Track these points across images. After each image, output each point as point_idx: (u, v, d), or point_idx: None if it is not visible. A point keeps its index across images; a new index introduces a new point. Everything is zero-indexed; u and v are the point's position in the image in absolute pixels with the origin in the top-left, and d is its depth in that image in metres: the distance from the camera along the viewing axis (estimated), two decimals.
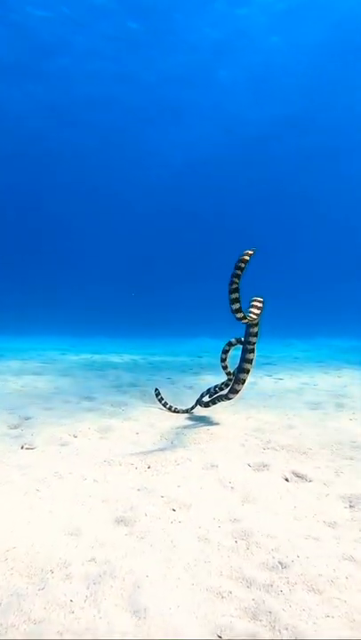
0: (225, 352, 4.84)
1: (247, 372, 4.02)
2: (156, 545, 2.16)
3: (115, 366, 10.04)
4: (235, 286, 3.20)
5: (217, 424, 4.68)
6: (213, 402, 4.89)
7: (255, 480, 2.94)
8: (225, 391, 4.68)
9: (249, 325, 3.86)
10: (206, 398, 5.02)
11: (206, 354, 13.66)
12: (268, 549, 2.15)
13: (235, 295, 3.19)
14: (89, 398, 6.02)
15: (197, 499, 2.60)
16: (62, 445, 3.79)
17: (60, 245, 44.35)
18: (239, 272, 3.17)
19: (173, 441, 4.05)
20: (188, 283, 45.10)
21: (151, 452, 3.64)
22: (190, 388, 7.14)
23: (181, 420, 4.90)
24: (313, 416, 5.02)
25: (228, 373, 4.85)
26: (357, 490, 2.78)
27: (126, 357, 12.32)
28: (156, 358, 12.27)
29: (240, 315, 3.30)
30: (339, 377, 8.53)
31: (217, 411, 5.26)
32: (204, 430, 4.39)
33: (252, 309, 3.62)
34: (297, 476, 3.08)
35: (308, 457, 3.53)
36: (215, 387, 4.94)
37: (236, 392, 4.22)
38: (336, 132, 30.31)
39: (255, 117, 29.09)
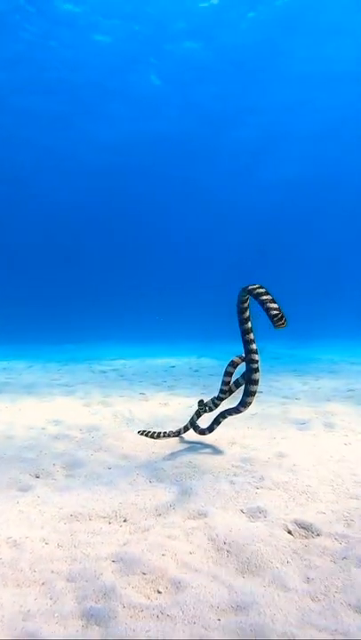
0: (228, 374, 4.24)
1: (256, 383, 3.64)
2: None
3: (84, 380, 9.44)
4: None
5: (198, 452, 4.18)
6: (218, 422, 4.39)
7: (253, 535, 2.45)
8: (233, 406, 4.09)
9: (247, 341, 3.49)
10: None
11: (178, 362, 13.19)
12: None
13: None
14: (55, 422, 5.45)
15: (188, 572, 2.09)
16: (21, 492, 3.22)
17: None
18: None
19: (151, 479, 3.53)
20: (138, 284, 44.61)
21: (127, 496, 3.11)
22: (165, 405, 6.63)
23: (158, 447, 4.38)
24: (303, 439, 4.57)
25: (224, 392, 4.31)
26: None
27: (96, 369, 11.72)
28: (127, 368, 11.72)
29: (280, 322, 2.85)
30: (319, 388, 8.17)
31: (195, 436, 4.76)
32: (184, 462, 3.88)
33: (269, 304, 3.00)
34: (301, 526, 2.60)
35: (309, 497, 3.06)
36: (204, 408, 4.45)
37: (248, 404, 3.80)
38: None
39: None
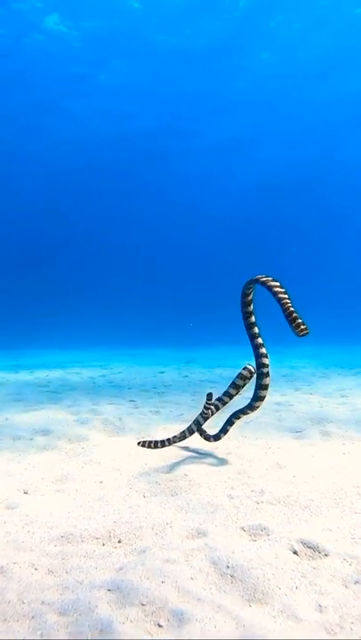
0: (236, 387, 4.03)
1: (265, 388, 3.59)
2: None
3: (72, 387, 9.25)
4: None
5: (193, 463, 4.02)
6: (226, 430, 4.20)
7: (257, 557, 2.30)
8: (245, 406, 3.91)
9: (256, 346, 3.34)
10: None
11: (167, 367, 13.03)
12: None
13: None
14: (44, 432, 5.25)
15: (190, 601, 1.93)
16: (8, 510, 3.03)
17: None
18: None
19: (146, 493, 3.36)
20: (144, 290, 44.49)
21: (121, 513, 2.94)
22: (157, 413, 6.46)
23: (150, 458, 4.21)
24: (300, 449, 4.44)
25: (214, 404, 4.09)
26: None
27: (85, 374, 11.52)
28: (116, 374, 11.53)
29: (301, 327, 2.65)
30: (311, 394, 8.06)
31: (189, 444, 4.61)
32: (179, 474, 3.72)
33: (289, 306, 2.76)
34: (307, 546, 2.45)
35: (313, 513, 2.92)
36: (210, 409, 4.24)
37: (256, 408, 3.75)
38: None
39: None
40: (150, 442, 4.48)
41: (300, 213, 40.96)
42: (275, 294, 2.86)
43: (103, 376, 11.30)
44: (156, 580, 2.05)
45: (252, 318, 3.53)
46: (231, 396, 3.95)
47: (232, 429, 4.97)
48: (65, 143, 29.78)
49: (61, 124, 27.59)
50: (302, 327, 2.63)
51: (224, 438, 4.70)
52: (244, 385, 3.92)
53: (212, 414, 4.06)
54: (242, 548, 2.40)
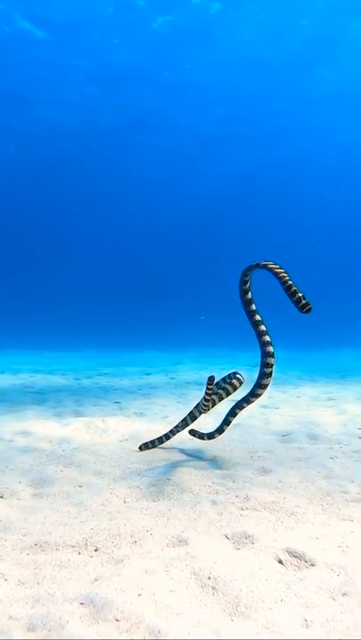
0: (218, 396, 3.90)
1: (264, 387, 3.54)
2: None
3: (57, 388, 9.09)
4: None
5: (177, 467, 3.90)
6: (228, 421, 4.04)
7: (241, 567, 2.18)
8: (241, 399, 3.81)
9: (263, 343, 3.29)
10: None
11: (154, 369, 12.92)
12: None
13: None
14: (24, 433, 5.10)
15: (168, 616, 1.81)
16: None
17: None
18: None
19: (126, 498, 3.24)
20: (135, 295, 44.31)
21: (99, 519, 2.81)
22: (141, 415, 6.34)
23: (133, 462, 4.08)
24: (287, 453, 4.33)
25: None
26: None
27: (71, 376, 11.36)
28: (102, 376, 11.38)
29: (303, 302, 2.71)
30: (298, 397, 7.99)
31: (175, 446, 4.49)
32: (162, 478, 3.60)
33: (291, 285, 2.82)
34: (293, 555, 2.34)
35: (299, 520, 2.81)
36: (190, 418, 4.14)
37: (250, 403, 3.71)
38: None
39: None
40: (152, 441, 4.36)
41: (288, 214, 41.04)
42: (276, 274, 2.91)
43: (89, 377, 11.15)
44: (132, 593, 1.93)
45: (253, 306, 3.45)
46: (221, 398, 3.87)
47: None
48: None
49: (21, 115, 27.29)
50: (304, 302, 2.70)
51: (209, 442, 4.60)
52: (233, 392, 3.88)
53: (213, 406, 3.89)
54: (225, 558, 2.29)
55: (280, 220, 41.26)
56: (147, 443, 4.42)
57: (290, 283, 2.80)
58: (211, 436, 4.22)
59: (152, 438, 4.49)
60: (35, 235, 41.93)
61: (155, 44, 23.21)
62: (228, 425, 4.09)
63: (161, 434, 4.46)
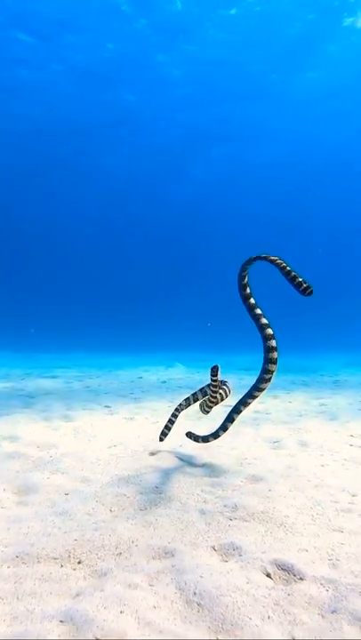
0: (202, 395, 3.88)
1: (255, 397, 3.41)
2: None
3: (47, 391, 8.98)
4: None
5: (165, 475, 3.83)
6: (232, 419, 3.78)
7: (228, 581, 2.12)
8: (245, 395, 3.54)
9: (268, 348, 3.21)
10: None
11: (146, 373, 12.84)
12: None
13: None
14: (12, 438, 5.01)
15: (151, 634, 1.74)
16: None
17: None
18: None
19: (113, 507, 3.16)
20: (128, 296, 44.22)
21: (83, 529, 2.74)
22: (131, 419, 6.26)
23: (120, 469, 4.00)
24: (277, 460, 4.28)
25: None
26: None
27: (62, 378, 11.26)
28: (94, 379, 11.29)
29: (304, 286, 2.76)
30: (290, 402, 7.95)
31: (164, 448, 4.42)
32: (150, 486, 3.53)
33: (291, 271, 2.87)
34: (281, 568, 2.29)
35: (288, 531, 2.75)
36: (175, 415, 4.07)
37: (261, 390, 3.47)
38: None
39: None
40: (166, 427, 4.16)
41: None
42: (274, 263, 2.97)
43: (80, 380, 11.05)
44: (114, 610, 1.86)
45: (252, 300, 3.38)
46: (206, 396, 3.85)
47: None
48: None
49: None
50: (305, 286, 2.76)
51: (199, 447, 4.54)
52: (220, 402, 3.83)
53: (221, 400, 3.78)
54: (211, 571, 2.22)
55: (271, 223, 41.36)
56: (164, 431, 4.24)
57: (289, 269, 2.87)
58: (206, 439, 4.09)
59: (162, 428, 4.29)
60: (24, 236, 41.77)
61: (138, 43, 23.15)
62: (225, 431, 3.95)
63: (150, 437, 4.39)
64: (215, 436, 4.02)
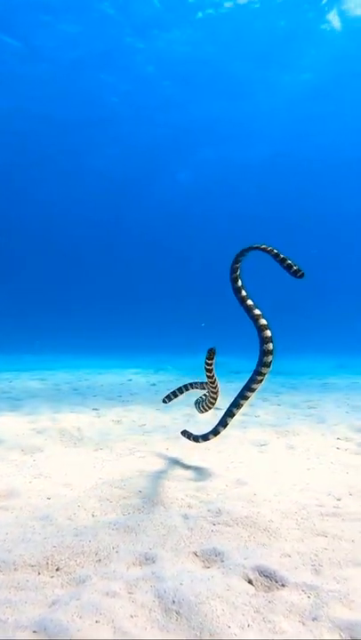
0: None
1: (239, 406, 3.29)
2: None
3: (35, 393, 8.90)
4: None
5: (149, 478, 3.78)
6: (232, 413, 3.68)
7: (208, 588, 2.08)
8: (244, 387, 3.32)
9: (263, 352, 3.09)
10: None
11: (135, 375, 12.78)
12: None
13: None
14: None
15: None
16: None
17: None
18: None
19: (95, 512, 3.11)
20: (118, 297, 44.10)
21: (64, 535, 2.68)
22: (119, 422, 6.21)
23: (105, 472, 3.95)
24: (263, 464, 4.24)
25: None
26: (354, 614, 1.94)
27: (50, 380, 11.17)
28: (82, 381, 11.21)
29: (294, 268, 2.81)
30: (278, 405, 7.92)
31: (150, 456, 4.37)
32: (134, 491, 3.47)
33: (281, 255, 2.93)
34: (263, 574, 2.25)
35: (271, 536, 2.72)
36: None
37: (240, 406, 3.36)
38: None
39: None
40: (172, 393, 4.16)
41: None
42: (266, 250, 2.99)
43: (69, 382, 10.97)
44: (89, 619, 1.81)
45: (244, 292, 3.33)
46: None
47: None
48: None
49: None
50: (295, 268, 2.81)
51: (186, 450, 4.51)
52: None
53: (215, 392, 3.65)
54: (192, 578, 2.18)
55: (262, 222, 41.34)
56: (170, 396, 4.23)
57: (281, 255, 2.92)
58: (206, 437, 3.92)
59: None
60: (11, 238, 41.52)
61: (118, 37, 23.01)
62: (225, 427, 3.80)
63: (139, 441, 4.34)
64: (215, 432, 3.84)
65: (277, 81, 25.74)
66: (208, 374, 3.42)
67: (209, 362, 3.27)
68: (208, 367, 3.34)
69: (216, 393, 3.66)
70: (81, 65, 24.21)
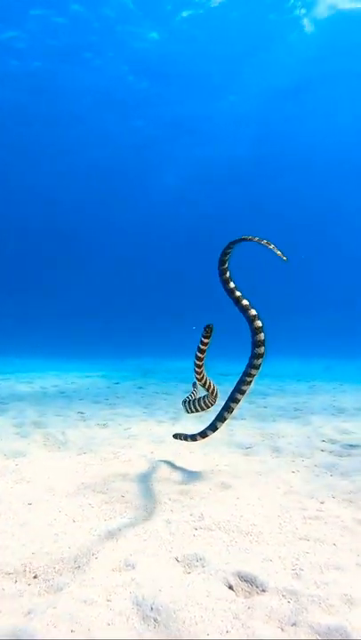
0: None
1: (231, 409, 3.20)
2: None
3: (20, 397, 8.81)
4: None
5: (133, 482, 3.74)
6: (230, 408, 3.38)
7: (187, 595, 2.06)
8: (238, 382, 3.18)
9: (254, 355, 2.95)
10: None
11: (123, 379, 12.71)
12: None
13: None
14: None
15: None
16: None
17: None
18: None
19: (76, 517, 3.07)
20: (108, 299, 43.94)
21: (43, 541, 2.64)
22: (104, 426, 6.16)
23: (89, 476, 3.91)
24: (248, 467, 4.23)
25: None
26: (333, 618, 1.93)
27: (37, 384, 11.07)
28: (70, 385, 11.13)
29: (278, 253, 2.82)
30: (265, 407, 7.92)
31: (133, 456, 4.34)
32: (117, 495, 3.44)
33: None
34: (244, 580, 2.23)
35: (254, 540, 2.70)
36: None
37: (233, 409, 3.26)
38: None
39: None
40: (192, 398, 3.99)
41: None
42: (251, 240, 2.96)
43: (55, 386, 10.88)
44: (64, 628, 1.78)
45: (232, 284, 3.25)
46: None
47: (179, 444, 4.73)
48: None
49: None
50: (279, 253, 2.82)
51: (170, 454, 4.48)
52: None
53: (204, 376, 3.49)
54: (172, 584, 2.16)
55: (254, 222, 41.39)
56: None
57: (268, 242, 2.90)
58: (203, 434, 3.80)
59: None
60: (7, 242, 41.28)
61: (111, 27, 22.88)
62: (223, 422, 3.68)
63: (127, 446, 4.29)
64: (213, 428, 3.71)
65: (251, 83, 25.72)
66: (202, 347, 3.15)
67: (205, 341, 3.04)
68: (202, 347, 3.12)
69: (213, 393, 3.59)
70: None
